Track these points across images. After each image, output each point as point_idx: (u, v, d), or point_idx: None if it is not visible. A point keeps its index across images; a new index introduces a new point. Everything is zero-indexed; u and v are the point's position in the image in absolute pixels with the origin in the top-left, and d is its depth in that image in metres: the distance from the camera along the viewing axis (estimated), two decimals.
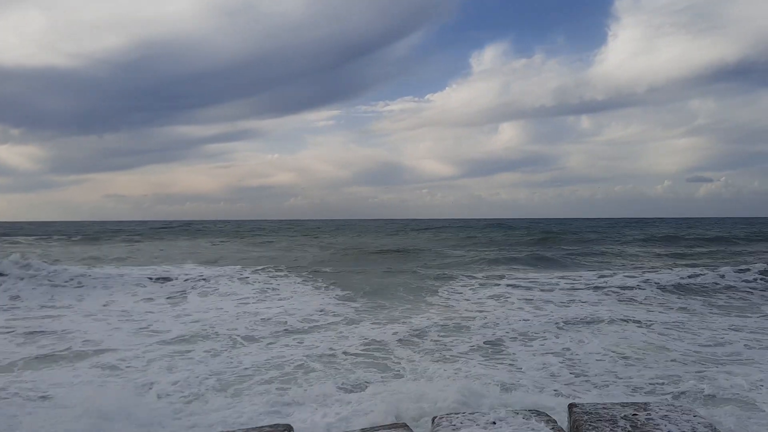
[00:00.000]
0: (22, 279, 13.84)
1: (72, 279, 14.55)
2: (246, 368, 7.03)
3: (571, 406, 4.34)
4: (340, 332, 9.19)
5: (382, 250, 27.10)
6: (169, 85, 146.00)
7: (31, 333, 9.05)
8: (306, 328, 9.62)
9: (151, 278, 15.53)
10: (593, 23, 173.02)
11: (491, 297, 13.01)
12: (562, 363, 7.28)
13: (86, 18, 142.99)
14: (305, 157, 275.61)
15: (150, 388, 6.12)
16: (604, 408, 4.12)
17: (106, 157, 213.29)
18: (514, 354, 7.78)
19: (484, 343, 8.38)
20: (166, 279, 15.63)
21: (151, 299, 13.01)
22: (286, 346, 8.27)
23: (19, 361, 7.30)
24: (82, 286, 14.13)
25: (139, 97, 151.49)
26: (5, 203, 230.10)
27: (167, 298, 13.26)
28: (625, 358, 7.57)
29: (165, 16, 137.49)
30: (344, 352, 7.82)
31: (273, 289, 14.53)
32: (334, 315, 10.81)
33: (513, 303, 12.21)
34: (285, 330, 9.41)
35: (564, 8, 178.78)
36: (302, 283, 15.70)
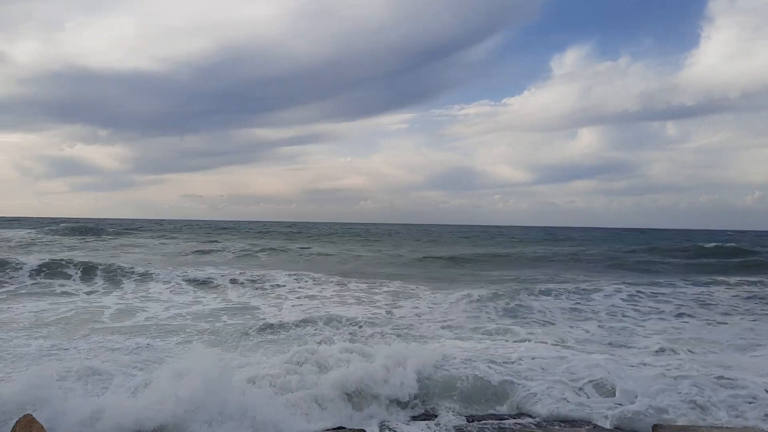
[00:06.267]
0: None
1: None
2: None
3: (655, 427, 4.29)
4: None
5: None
6: (247, 88, 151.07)
7: None
8: None
9: None
10: (685, 25, 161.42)
11: None
12: None
13: (172, 23, 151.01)
14: (377, 161, 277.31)
15: None
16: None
17: (185, 158, 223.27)
18: None
19: None
20: None
21: None
22: None
23: None
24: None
25: (219, 99, 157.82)
26: (93, 201, 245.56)
27: None
28: None
29: (246, 21, 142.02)
30: None
31: None
32: None
33: None
34: None
35: (654, 9, 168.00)
36: None
